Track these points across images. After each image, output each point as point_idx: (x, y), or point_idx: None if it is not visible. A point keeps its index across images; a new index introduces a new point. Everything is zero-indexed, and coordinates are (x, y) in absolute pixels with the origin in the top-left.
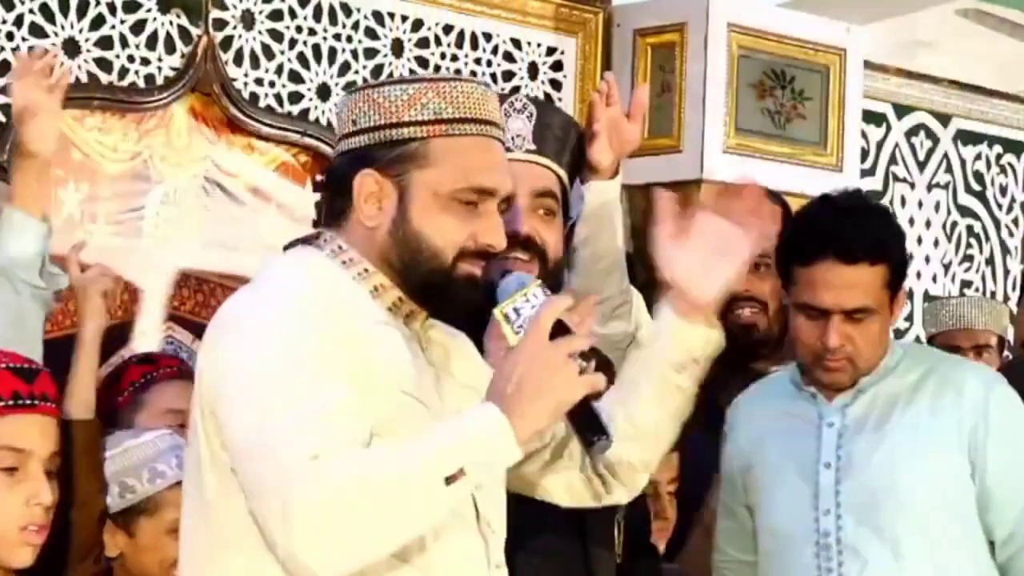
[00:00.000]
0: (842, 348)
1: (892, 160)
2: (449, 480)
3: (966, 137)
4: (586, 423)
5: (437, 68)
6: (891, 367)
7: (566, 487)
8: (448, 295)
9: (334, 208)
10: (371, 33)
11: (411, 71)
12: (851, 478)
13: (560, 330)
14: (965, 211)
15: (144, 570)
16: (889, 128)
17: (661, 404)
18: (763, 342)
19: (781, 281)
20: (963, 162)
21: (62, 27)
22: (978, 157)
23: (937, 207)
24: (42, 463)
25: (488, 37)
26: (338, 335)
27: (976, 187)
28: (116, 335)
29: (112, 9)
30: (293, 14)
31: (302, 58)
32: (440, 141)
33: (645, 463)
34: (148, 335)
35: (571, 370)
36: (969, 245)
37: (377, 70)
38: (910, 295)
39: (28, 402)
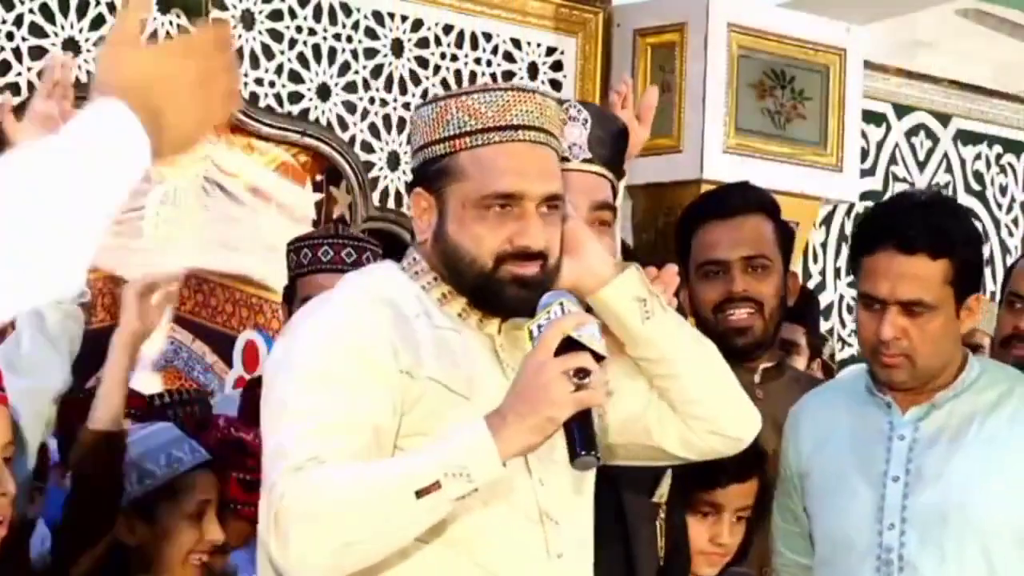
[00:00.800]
0: (897, 342)
1: (892, 160)
2: (421, 493)
3: (966, 137)
4: (577, 436)
5: (437, 68)
6: (967, 383)
7: (680, 442)
8: (494, 298)
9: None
10: (371, 33)
11: (411, 71)
12: (919, 493)
13: (569, 346)
14: None
15: (163, 557)
16: (889, 128)
17: (650, 347)
18: (757, 344)
19: (853, 275)
20: (963, 162)
21: (62, 27)
22: (978, 157)
23: None
24: (0, 452)
25: (488, 37)
26: (381, 343)
27: (976, 187)
28: None
29: (112, 9)
30: (293, 14)
31: (302, 58)
32: (466, 154)
33: (699, 396)
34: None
35: (562, 387)
36: None
37: (377, 70)
38: None
39: None
